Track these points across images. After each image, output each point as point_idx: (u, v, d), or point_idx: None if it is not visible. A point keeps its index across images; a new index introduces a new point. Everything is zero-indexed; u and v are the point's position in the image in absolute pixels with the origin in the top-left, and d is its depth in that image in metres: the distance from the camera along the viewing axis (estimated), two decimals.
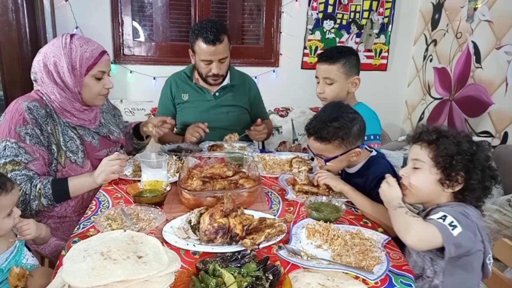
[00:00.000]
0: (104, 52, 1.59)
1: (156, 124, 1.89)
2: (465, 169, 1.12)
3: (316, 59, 3.21)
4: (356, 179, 1.50)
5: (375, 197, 1.36)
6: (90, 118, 1.66)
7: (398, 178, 1.26)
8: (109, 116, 1.86)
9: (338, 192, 1.48)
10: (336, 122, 1.43)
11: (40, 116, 1.49)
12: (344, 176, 1.60)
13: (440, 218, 1.05)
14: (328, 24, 3.35)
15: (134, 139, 1.98)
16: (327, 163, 1.48)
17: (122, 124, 1.97)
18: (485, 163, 1.14)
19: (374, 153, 1.54)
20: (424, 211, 1.23)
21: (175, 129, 2.40)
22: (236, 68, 2.36)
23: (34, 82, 1.56)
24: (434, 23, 3.24)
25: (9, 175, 1.40)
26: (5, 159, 1.43)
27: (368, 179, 1.44)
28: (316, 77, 1.98)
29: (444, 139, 1.15)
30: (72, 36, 1.55)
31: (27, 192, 1.43)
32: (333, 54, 1.91)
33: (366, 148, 1.54)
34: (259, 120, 2.15)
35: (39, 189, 1.44)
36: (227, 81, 2.26)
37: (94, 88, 1.58)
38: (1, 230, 1.16)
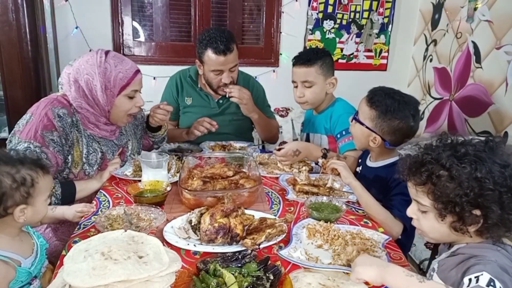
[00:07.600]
0: (138, 72, 1.60)
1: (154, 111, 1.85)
2: (478, 207, 0.89)
3: None
4: (380, 172, 1.50)
5: (391, 194, 1.39)
6: (112, 129, 1.67)
7: None
8: (130, 126, 1.84)
9: (338, 189, 1.48)
10: (390, 98, 1.43)
11: (68, 125, 1.51)
12: (363, 169, 1.60)
13: (490, 285, 0.81)
14: (328, 24, 3.35)
15: (149, 132, 1.96)
16: (352, 121, 1.52)
17: (142, 125, 1.94)
18: (502, 186, 0.88)
19: None
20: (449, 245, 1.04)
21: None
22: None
23: (60, 89, 1.58)
24: (434, 23, 3.23)
25: None
26: None
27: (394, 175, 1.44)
28: (293, 81, 1.94)
29: (437, 179, 0.92)
30: (107, 53, 1.54)
31: None
32: (309, 56, 1.88)
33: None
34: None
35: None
36: None
37: (125, 107, 1.59)
38: (40, 214, 1.13)
